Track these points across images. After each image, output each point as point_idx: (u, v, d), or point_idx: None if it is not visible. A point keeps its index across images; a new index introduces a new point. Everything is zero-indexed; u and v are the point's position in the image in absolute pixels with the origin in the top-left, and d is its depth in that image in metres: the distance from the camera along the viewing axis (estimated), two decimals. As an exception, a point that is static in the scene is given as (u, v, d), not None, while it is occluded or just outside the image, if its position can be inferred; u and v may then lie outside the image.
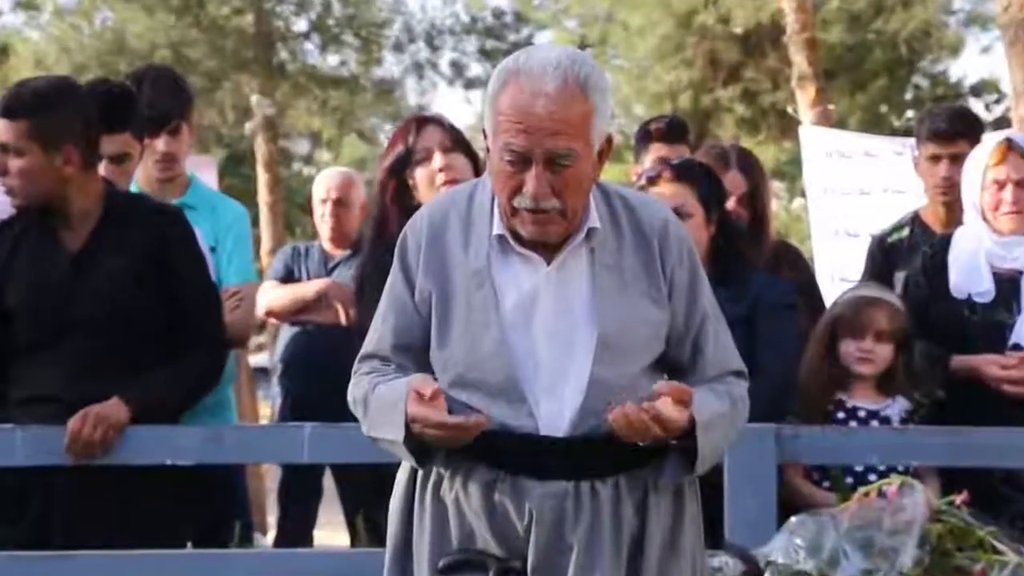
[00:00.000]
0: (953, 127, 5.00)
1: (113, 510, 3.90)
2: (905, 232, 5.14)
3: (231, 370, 4.80)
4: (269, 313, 5.78)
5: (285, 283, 5.81)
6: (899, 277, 4.93)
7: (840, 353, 4.22)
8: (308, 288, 5.74)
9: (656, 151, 5.56)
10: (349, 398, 2.95)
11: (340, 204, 5.96)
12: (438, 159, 4.10)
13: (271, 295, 5.74)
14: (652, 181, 4.21)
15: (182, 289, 4.00)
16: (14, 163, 3.93)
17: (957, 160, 4.90)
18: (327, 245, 5.99)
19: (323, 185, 6.11)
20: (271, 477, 7.05)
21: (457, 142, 4.07)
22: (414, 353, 2.87)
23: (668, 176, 4.19)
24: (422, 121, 4.17)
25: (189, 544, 4.26)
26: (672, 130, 5.67)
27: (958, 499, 3.69)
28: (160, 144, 4.66)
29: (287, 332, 5.87)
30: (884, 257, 5.09)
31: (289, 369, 5.75)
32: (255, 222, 20.27)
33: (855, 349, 4.21)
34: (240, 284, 4.63)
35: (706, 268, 4.10)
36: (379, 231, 4.15)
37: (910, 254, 5.01)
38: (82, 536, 3.87)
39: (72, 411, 3.88)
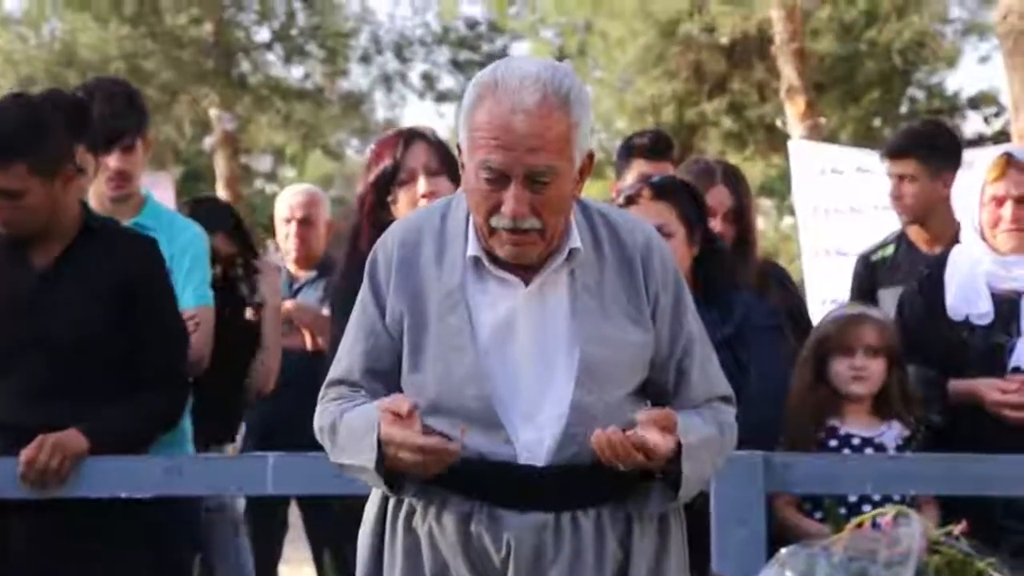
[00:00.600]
0: (896, 145, 5.35)
1: (66, 547, 3.89)
2: (890, 250, 5.26)
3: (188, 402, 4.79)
4: None
5: None
6: (883, 295, 5.03)
7: (831, 375, 4.24)
8: None
9: (639, 167, 5.59)
10: (316, 426, 2.95)
11: (304, 223, 5.97)
12: (423, 184, 4.10)
13: None
14: (631, 200, 4.23)
15: (150, 323, 4.00)
16: (16, 204, 3.91)
17: (904, 179, 5.24)
18: (291, 266, 5.99)
19: (286, 203, 6.11)
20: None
21: (443, 163, 4.07)
22: (385, 378, 2.88)
23: (648, 195, 4.21)
24: (410, 137, 4.17)
25: None
26: (655, 146, 5.70)
27: (956, 529, 3.71)
28: (112, 161, 4.64)
29: None
30: (868, 275, 5.22)
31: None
32: (214, 242, 20.24)
33: (846, 368, 4.23)
34: (196, 308, 4.62)
35: (688, 288, 4.18)
36: (353, 248, 4.15)
37: (894, 272, 5.12)
38: (39, 569, 3.86)
39: (25, 439, 3.88)
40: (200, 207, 5.39)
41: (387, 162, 4.14)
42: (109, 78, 5.39)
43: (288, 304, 5.75)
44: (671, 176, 4.39)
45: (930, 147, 5.27)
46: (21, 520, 3.91)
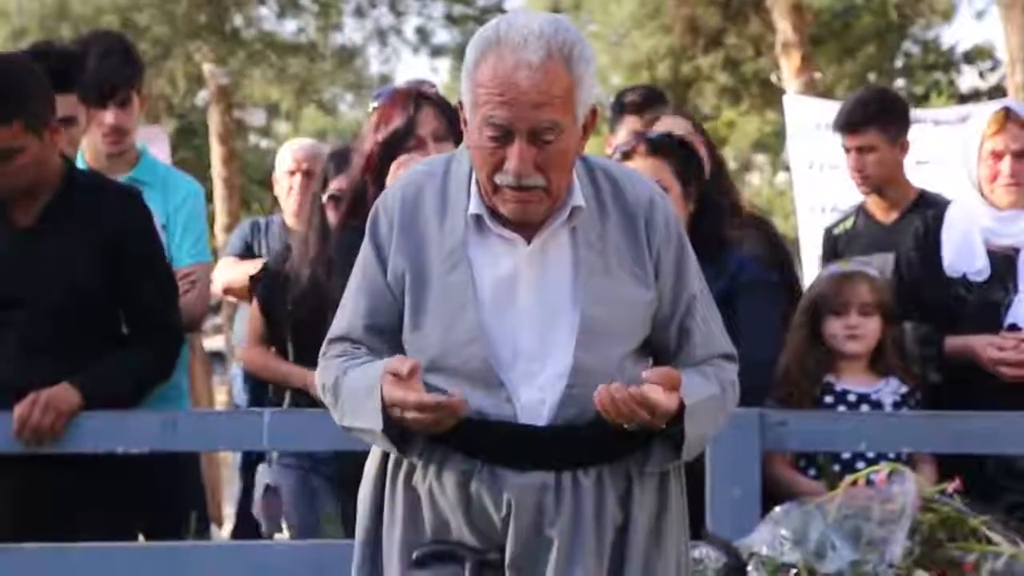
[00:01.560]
0: (852, 117, 5.30)
1: (59, 500, 3.89)
2: (849, 222, 5.27)
3: (184, 356, 4.79)
4: (228, 291, 5.75)
5: (244, 260, 5.78)
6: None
7: (825, 335, 4.25)
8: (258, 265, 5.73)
9: (631, 123, 5.58)
10: (317, 383, 2.95)
11: (308, 176, 5.94)
12: (432, 152, 4.07)
13: (230, 272, 5.70)
14: (627, 156, 4.22)
15: (137, 275, 3.99)
16: (10, 163, 3.89)
17: (864, 151, 5.24)
18: (290, 220, 5.96)
19: (290, 156, 6.07)
20: (228, 465, 7.02)
21: (450, 127, 4.04)
22: (387, 335, 2.87)
23: (643, 150, 4.21)
24: (419, 100, 4.12)
25: (140, 537, 4.26)
26: (647, 101, 5.69)
27: (950, 487, 3.72)
28: (108, 117, 4.61)
29: (245, 312, 5.86)
30: (831, 248, 5.23)
31: None
32: (209, 197, 20.16)
33: (841, 327, 4.24)
34: (193, 265, 4.60)
35: None
36: (355, 203, 4.12)
37: (854, 244, 5.14)
38: (28, 527, 3.86)
39: (16, 397, 3.87)
40: None
41: (397, 124, 4.09)
42: (105, 32, 5.34)
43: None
44: (667, 132, 4.38)
45: (887, 115, 5.28)
46: (15, 476, 3.90)
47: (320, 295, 4.31)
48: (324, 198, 4.53)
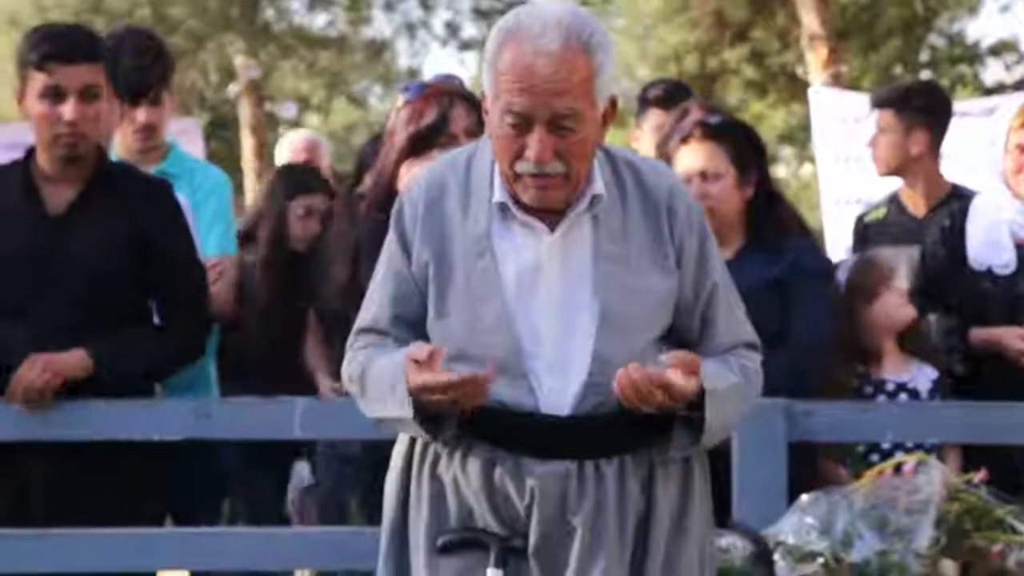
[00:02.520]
0: (876, 97, 5.46)
1: (88, 486, 3.89)
2: (882, 212, 5.24)
3: (211, 344, 4.79)
4: None
5: None
6: None
7: (872, 319, 4.25)
8: None
9: (655, 118, 5.56)
10: (344, 376, 2.95)
11: None
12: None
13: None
14: (685, 139, 4.21)
15: (168, 269, 3.99)
16: (91, 108, 3.92)
17: (880, 131, 5.27)
18: None
19: (289, 149, 6.07)
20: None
21: (479, 124, 4.04)
22: (413, 326, 2.87)
23: (699, 135, 4.19)
24: (453, 97, 4.12)
25: (169, 522, 4.27)
26: (670, 95, 5.67)
27: (977, 477, 3.71)
28: (140, 115, 4.60)
29: None
30: (861, 236, 5.20)
31: None
32: (239, 189, 20.24)
33: (895, 298, 4.26)
34: (220, 256, 4.61)
35: (739, 232, 4.14)
36: (381, 198, 4.12)
37: (885, 234, 5.11)
38: (58, 513, 3.86)
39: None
40: None
41: (431, 119, 4.09)
42: (138, 29, 5.33)
43: None
44: (728, 117, 4.34)
45: (905, 102, 5.26)
46: (39, 464, 3.90)
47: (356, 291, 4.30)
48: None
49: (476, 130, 4.00)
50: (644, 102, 5.68)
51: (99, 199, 3.96)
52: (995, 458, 3.93)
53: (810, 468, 4.04)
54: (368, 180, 4.50)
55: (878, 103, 5.32)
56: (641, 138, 5.53)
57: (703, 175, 4.15)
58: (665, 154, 4.75)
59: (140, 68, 4.55)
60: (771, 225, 4.19)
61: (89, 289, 3.89)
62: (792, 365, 3.98)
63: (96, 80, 3.92)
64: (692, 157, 4.16)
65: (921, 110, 5.27)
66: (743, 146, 4.20)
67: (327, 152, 6.16)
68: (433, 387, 2.70)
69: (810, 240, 4.45)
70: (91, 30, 4.12)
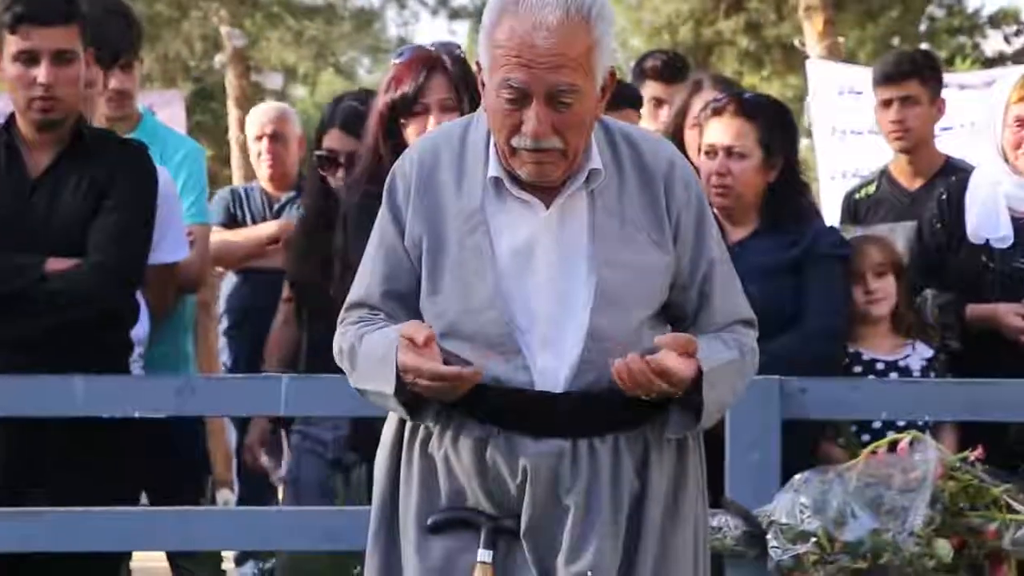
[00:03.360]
0: (899, 68, 5.20)
1: (63, 462, 3.89)
2: (872, 187, 5.22)
3: (187, 319, 4.79)
4: (217, 261, 5.68)
5: (228, 229, 5.75)
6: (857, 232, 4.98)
7: (856, 302, 4.24)
8: (263, 230, 5.70)
9: (652, 89, 5.54)
10: (335, 349, 2.94)
11: (275, 139, 5.91)
12: (432, 122, 4.06)
13: (220, 240, 5.61)
14: (717, 112, 4.20)
15: (108, 210, 3.92)
16: (65, 71, 3.91)
17: (908, 102, 5.12)
18: (267, 185, 5.94)
19: (256, 121, 6.05)
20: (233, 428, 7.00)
21: (460, 98, 4.02)
22: (404, 301, 2.86)
23: (732, 110, 4.18)
24: (433, 66, 4.11)
25: (144, 499, 4.27)
26: (668, 67, 5.64)
27: (972, 455, 3.72)
28: (112, 81, 4.60)
29: (229, 282, 5.85)
30: (851, 214, 5.18)
31: (237, 322, 5.73)
32: (226, 161, 20.19)
33: (860, 293, 4.24)
34: (191, 225, 4.60)
35: (756, 213, 4.14)
36: (371, 170, 4.11)
37: (877, 209, 5.09)
38: (26, 489, 3.86)
39: (12, 353, 3.84)
40: None
41: (406, 88, 4.07)
42: None
43: (275, 224, 5.70)
44: (765, 95, 4.32)
45: (929, 70, 5.22)
46: (10, 434, 3.89)
47: (323, 264, 4.28)
48: (315, 156, 4.49)
49: (452, 106, 4.00)
50: (641, 73, 5.66)
51: (75, 164, 3.95)
52: (991, 436, 3.93)
53: (807, 449, 4.04)
54: (327, 142, 4.49)
55: (901, 74, 5.15)
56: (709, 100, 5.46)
57: (729, 151, 4.16)
58: (676, 126, 4.74)
59: (110, 35, 4.53)
60: (791, 211, 4.19)
61: (68, 252, 3.87)
62: (804, 349, 4.00)
63: (70, 43, 3.91)
64: (721, 131, 4.17)
65: (939, 79, 5.24)
66: (774, 128, 4.19)
67: (297, 122, 6.14)
68: (422, 372, 2.70)
69: (828, 224, 4.45)
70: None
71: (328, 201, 4.41)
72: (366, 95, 4.59)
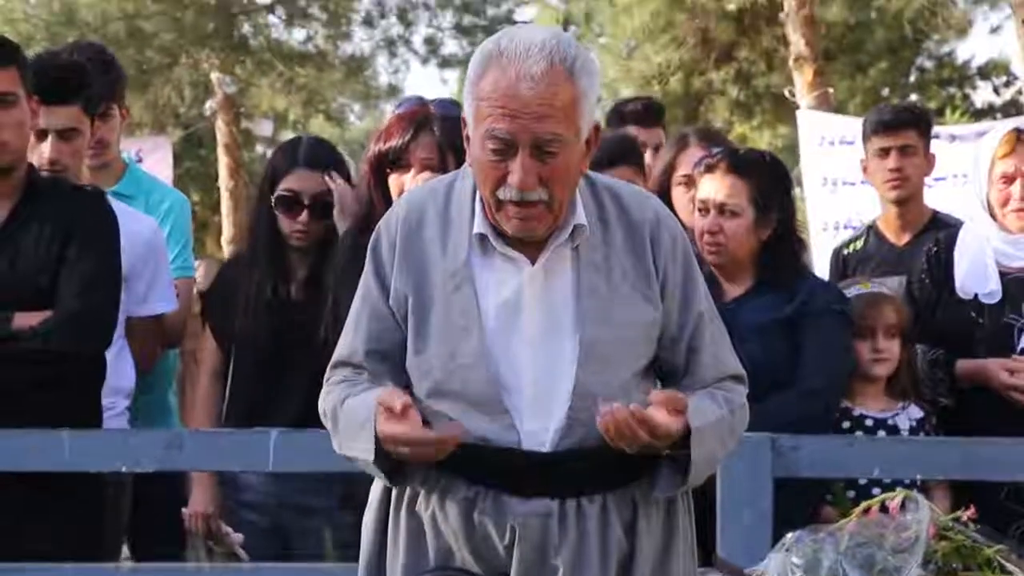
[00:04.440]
0: (898, 117, 5.18)
1: (38, 512, 3.86)
2: (860, 242, 5.22)
3: (170, 370, 4.77)
4: None
5: None
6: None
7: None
8: None
9: (631, 133, 5.55)
10: (320, 409, 2.94)
11: None
12: (411, 178, 4.07)
13: None
14: (710, 168, 4.20)
15: (72, 262, 3.91)
16: (7, 115, 3.90)
17: (906, 151, 5.10)
18: None
19: None
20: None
21: (445, 159, 4.04)
22: (389, 360, 2.86)
23: (724, 167, 4.17)
24: (421, 126, 4.13)
25: (125, 552, 4.24)
26: (649, 112, 5.67)
27: (965, 515, 3.70)
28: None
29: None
30: (839, 269, 5.18)
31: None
32: (215, 208, 20.21)
33: (868, 350, 4.23)
34: (175, 279, 4.59)
35: (750, 271, 4.14)
36: (362, 219, 4.13)
37: (865, 265, 5.09)
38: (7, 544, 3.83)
39: None
40: None
41: (393, 142, 4.12)
42: (86, 43, 5.34)
43: None
44: (758, 152, 4.31)
45: (926, 123, 5.24)
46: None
47: (281, 311, 4.27)
48: (273, 199, 4.38)
49: (435, 165, 4.03)
50: (620, 117, 5.67)
51: (33, 213, 3.94)
52: (984, 494, 3.92)
53: (801, 505, 4.03)
54: (287, 183, 4.38)
55: (899, 123, 5.13)
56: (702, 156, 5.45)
57: (721, 208, 4.15)
58: (663, 183, 4.74)
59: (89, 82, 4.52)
60: (787, 269, 4.17)
61: (32, 301, 3.86)
62: (799, 409, 3.99)
63: (9, 86, 3.90)
64: (714, 188, 4.16)
65: (929, 133, 5.24)
66: (769, 185, 4.17)
67: None
68: (400, 440, 2.71)
69: (824, 280, 4.44)
70: (1, 36, 4.09)
71: (277, 244, 4.35)
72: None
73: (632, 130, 5.48)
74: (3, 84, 3.89)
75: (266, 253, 4.34)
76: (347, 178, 4.41)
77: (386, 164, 4.12)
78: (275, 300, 4.31)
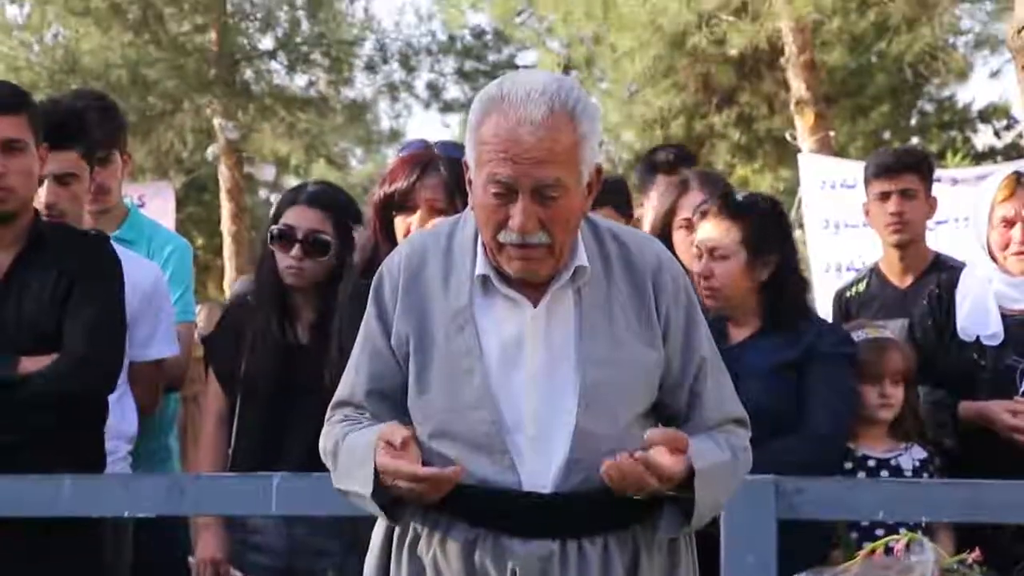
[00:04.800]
0: (900, 160, 5.18)
1: (36, 556, 3.85)
2: (862, 285, 5.22)
3: (170, 414, 4.76)
4: None
5: None
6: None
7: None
8: None
9: (663, 183, 5.55)
10: (320, 448, 2.95)
11: None
12: (416, 222, 4.07)
13: None
14: (704, 214, 4.21)
15: (76, 306, 3.92)
16: (15, 161, 3.91)
17: (907, 195, 5.09)
18: None
19: None
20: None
21: (452, 200, 4.04)
22: (390, 401, 2.87)
23: (715, 211, 4.19)
24: (427, 167, 4.14)
25: None
26: (679, 161, 5.66)
27: (970, 557, 3.69)
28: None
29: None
30: (842, 312, 5.18)
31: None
32: (218, 252, 20.23)
33: (875, 396, 4.23)
34: (177, 323, 4.59)
35: (754, 314, 4.13)
36: (368, 260, 4.13)
37: (867, 307, 5.08)
38: None
39: None
40: None
41: (399, 184, 4.12)
42: (87, 90, 5.38)
43: None
44: (756, 194, 4.32)
45: (928, 167, 5.24)
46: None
47: (287, 354, 4.26)
48: (269, 235, 4.35)
49: (442, 207, 4.02)
50: (652, 167, 5.67)
51: (38, 259, 3.96)
52: (988, 536, 3.91)
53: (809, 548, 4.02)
54: (285, 218, 4.33)
55: (901, 167, 5.13)
56: (647, 205, 5.42)
57: (712, 252, 4.16)
58: (663, 227, 4.75)
59: (89, 128, 4.54)
60: (789, 310, 4.16)
61: (36, 349, 3.86)
62: (804, 452, 3.97)
63: (19, 133, 3.93)
64: (707, 232, 4.18)
65: (931, 177, 5.24)
66: (763, 226, 4.17)
67: None
68: (400, 474, 2.71)
69: (830, 323, 4.43)
70: (12, 84, 4.12)
71: (281, 286, 4.31)
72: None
73: (663, 179, 5.47)
74: (11, 131, 3.92)
75: (270, 295, 4.30)
76: (358, 219, 4.39)
77: (392, 207, 4.12)
78: (282, 342, 4.27)
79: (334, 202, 4.38)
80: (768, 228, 4.19)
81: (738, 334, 4.18)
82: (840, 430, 4.13)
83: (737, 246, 4.13)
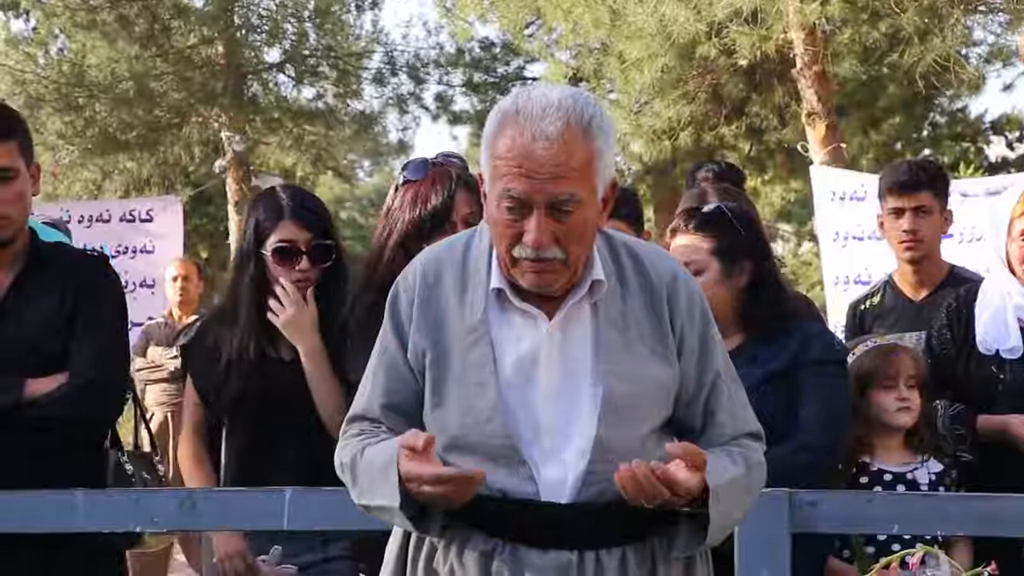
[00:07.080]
0: (914, 177, 5.12)
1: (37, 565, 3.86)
2: (877, 298, 5.21)
3: None
4: None
5: None
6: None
7: (873, 408, 4.24)
8: None
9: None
10: (336, 462, 2.96)
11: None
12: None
13: None
14: (673, 232, 4.22)
15: (79, 330, 3.93)
16: (7, 190, 3.89)
17: (921, 212, 5.06)
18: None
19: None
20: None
21: (478, 215, 4.03)
22: (405, 414, 2.88)
23: (682, 226, 4.19)
24: (457, 183, 4.08)
25: None
26: (722, 176, 5.64)
27: (986, 571, 3.69)
28: None
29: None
30: (857, 324, 5.16)
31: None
32: (224, 265, 20.23)
33: (892, 400, 4.23)
34: None
35: (737, 324, 4.12)
36: (379, 278, 4.10)
37: (882, 320, 5.08)
38: None
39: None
40: None
41: (435, 203, 4.09)
42: None
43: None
44: (720, 207, 4.34)
45: (942, 182, 5.22)
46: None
47: (268, 372, 4.24)
48: (269, 249, 4.28)
49: (474, 221, 4.00)
50: (694, 183, 5.65)
51: (37, 281, 3.96)
52: (1005, 550, 3.91)
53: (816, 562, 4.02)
54: (280, 234, 4.28)
55: (914, 184, 5.09)
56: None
57: (686, 267, 4.16)
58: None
59: None
60: (771, 317, 4.14)
61: (38, 371, 3.87)
62: (801, 463, 3.96)
63: (11, 162, 3.90)
64: (679, 249, 4.18)
65: (946, 191, 5.22)
66: (733, 234, 4.16)
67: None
68: (424, 478, 2.70)
69: (819, 325, 4.41)
70: (3, 107, 4.06)
71: (261, 305, 4.26)
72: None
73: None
74: (4, 159, 3.89)
75: (250, 313, 4.27)
76: (329, 220, 4.37)
77: (430, 230, 4.06)
78: (260, 363, 4.25)
79: (316, 208, 4.38)
80: (736, 234, 4.17)
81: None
82: (834, 437, 4.11)
83: (708, 257, 4.13)
